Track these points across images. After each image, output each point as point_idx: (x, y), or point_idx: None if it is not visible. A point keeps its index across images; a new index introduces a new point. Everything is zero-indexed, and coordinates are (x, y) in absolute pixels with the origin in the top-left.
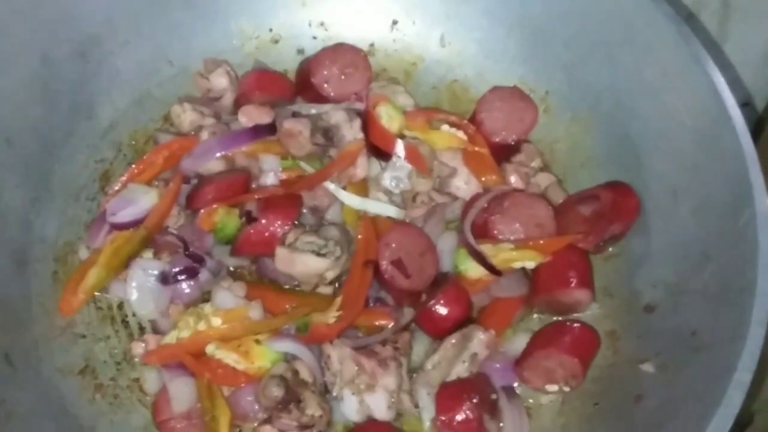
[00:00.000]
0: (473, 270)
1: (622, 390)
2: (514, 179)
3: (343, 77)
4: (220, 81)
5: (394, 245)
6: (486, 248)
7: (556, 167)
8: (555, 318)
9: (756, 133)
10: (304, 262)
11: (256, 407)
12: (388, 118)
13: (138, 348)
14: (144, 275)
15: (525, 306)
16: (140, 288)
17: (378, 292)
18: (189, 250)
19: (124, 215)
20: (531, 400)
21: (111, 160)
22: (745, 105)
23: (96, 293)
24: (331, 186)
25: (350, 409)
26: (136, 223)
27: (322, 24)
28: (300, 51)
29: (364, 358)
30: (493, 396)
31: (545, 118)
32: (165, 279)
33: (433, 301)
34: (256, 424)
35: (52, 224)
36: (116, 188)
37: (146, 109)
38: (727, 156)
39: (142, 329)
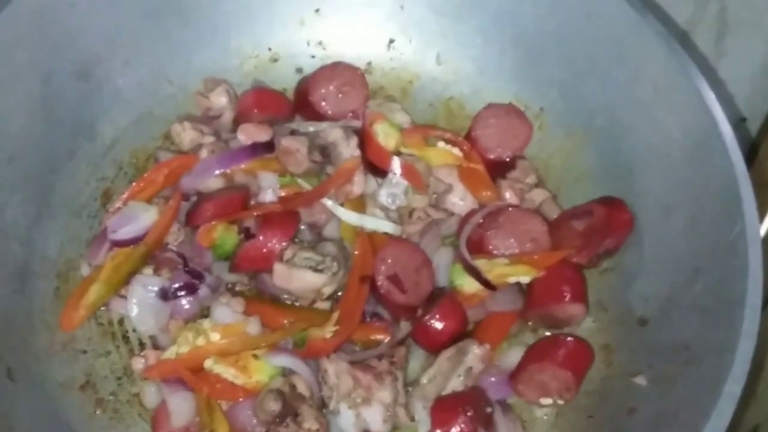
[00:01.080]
0: (469, 285)
1: (615, 403)
2: (509, 195)
3: (340, 95)
4: (219, 100)
5: (390, 261)
6: (481, 263)
7: (551, 183)
8: (549, 332)
9: (750, 156)
10: (301, 277)
11: (254, 421)
12: (385, 135)
13: (138, 363)
14: (144, 291)
15: (520, 320)
16: (140, 304)
17: (374, 307)
18: (188, 267)
19: (125, 232)
20: (525, 414)
21: (112, 178)
22: (743, 120)
23: (97, 309)
24: (328, 203)
25: (347, 422)
26: (136, 240)
27: (320, 43)
28: (298, 70)
29: (360, 372)
30: (488, 409)
31: (540, 135)
32: (165, 295)
33: (428, 316)
34: None
35: (54, 241)
36: (117, 206)
37: (147, 128)
38: (717, 171)
39: (142, 344)
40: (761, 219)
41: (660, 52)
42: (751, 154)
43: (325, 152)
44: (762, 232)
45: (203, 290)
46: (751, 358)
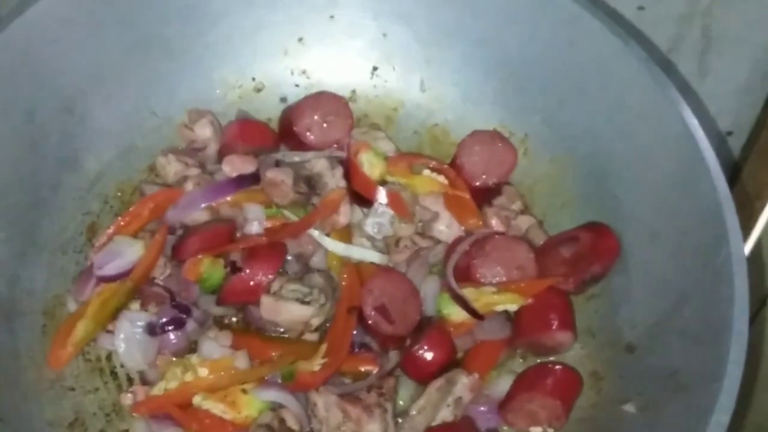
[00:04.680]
0: (456, 314)
1: (605, 430)
2: (495, 222)
3: (325, 125)
4: (204, 131)
5: (377, 291)
6: (468, 292)
7: (537, 209)
8: (538, 359)
9: (734, 172)
10: (288, 310)
11: None
12: (370, 165)
13: (127, 399)
14: (131, 327)
15: (508, 348)
16: (128, 340)
17: (362, 337)
18: (175, 301)
19: (111, 268)
20: None
21: (98, 213)
22: (729, 134)
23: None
24: (315, 233)
25: None
26: (122, 276)
27: (303, 72)
28: (283, 99)
29: (349, 405)
30: None
31: (525, 161)
32: (152, 330)
33: (417, 346)
34: None
35: (40, 277)
36: (103, 240)
37: (132, 161)
38: (702, 198)
39: (130, 380)
40: (746, 237)
41: (642, 79)
42: (735, 171)
43: (310, 183)
44: (747, 250)
45: (191, 324)
46: (738, 387)
